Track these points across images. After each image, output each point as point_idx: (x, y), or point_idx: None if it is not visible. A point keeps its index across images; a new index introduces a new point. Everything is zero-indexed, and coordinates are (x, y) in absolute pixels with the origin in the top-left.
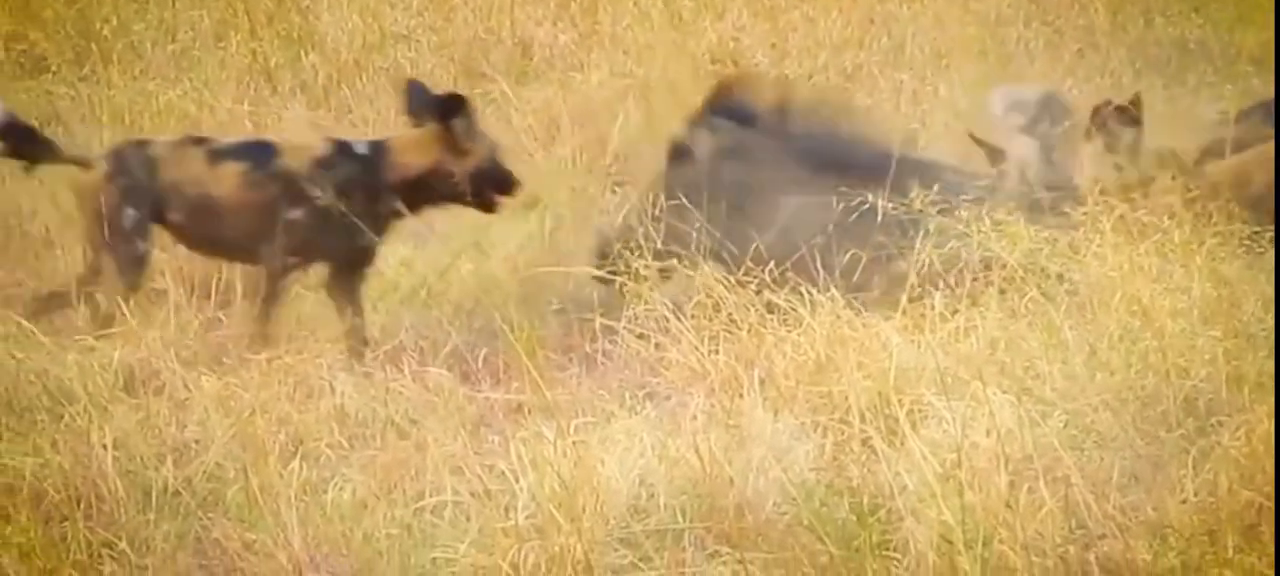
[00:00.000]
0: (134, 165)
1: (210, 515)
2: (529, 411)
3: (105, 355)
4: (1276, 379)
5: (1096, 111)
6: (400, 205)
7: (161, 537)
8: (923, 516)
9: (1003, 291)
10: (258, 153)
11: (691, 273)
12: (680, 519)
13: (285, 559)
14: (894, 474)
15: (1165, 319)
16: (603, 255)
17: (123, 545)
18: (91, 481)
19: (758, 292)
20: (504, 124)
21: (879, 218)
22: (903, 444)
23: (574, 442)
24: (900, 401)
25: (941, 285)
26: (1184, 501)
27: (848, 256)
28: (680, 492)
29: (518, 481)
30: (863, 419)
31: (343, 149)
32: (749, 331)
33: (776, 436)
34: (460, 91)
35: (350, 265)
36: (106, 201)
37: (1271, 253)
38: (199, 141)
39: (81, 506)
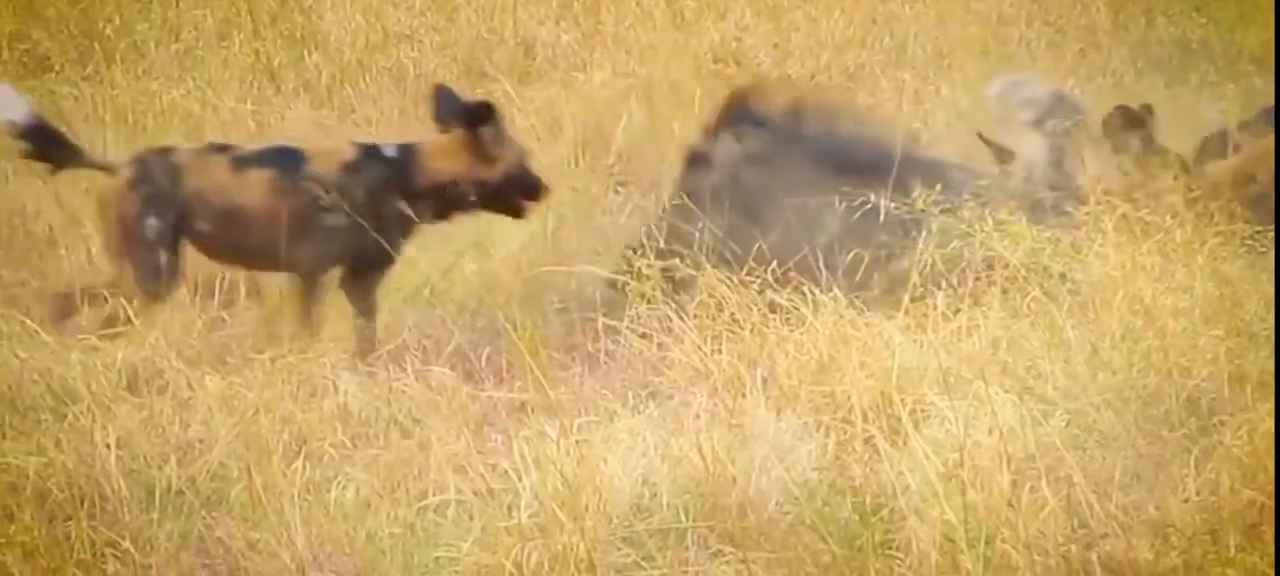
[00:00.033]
0: (157, 173)
1: (214, 514)
2: (532, 410)
3: (109, 354)
4: (1277, 378)
5: (1108, 119)
6: (430, 209)
7: (165, 537)
8: (925, 515)
9: (1005, 291)
10: (284, 160)
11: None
12: (683, 518)
13: (289, 558)
14: (897, 473)
15: (1167, 318)
16: (625, 264)
17: (126, 544)
18: (95, 480)
19: (760, 292)
20: (507, 124)
21: (881, 217)
22: (905, 443)
23: (577, 441)
24: (903, 401)
25: (944, 284)
26: (1186, 500)
27: (851, 255)
28: (683, 491)
29: (521, 480)
30: (865, 418)
31: (370, 153)
32: (752, 331)
33: (779, 435)
34: (488, 99)
35: (373, 267)
36: (129, 210)
37: (1274, 252)
38: (222, 149)
39: (85, 505)
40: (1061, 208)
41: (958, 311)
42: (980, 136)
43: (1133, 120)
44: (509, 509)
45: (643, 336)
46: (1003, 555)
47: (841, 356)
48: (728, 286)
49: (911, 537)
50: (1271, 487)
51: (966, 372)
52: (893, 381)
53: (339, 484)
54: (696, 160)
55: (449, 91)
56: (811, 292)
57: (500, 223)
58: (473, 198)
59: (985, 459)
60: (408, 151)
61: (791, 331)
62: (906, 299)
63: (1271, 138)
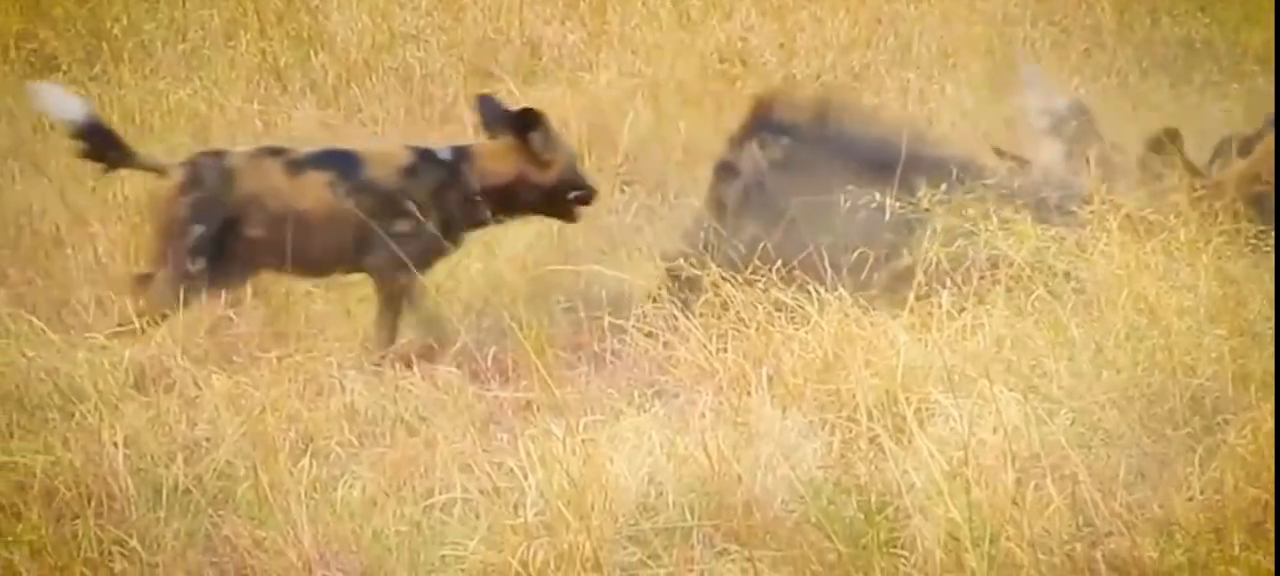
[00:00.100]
0: (210, 177)
1: (220, 512)
2: (538, 409)
3: (116, 353)
4: (1276, 378)
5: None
6: (488, 213)
7: (172, 535)
8: (930, 514)
9: (1010, 289)
10: (341, 163)
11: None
12: (688, 516)
13: (295, 556)
14: (901, 471)
15: (1172, 317)
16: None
17: (133, 542)
18: (102, 479)
19: (765, 291)
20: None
21: (886, 216)
22: (910, 441)
23: (583, 440)
24: (908, 399)
25: (949, 283)
26: (1190, 499)
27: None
28: (689, 490)
29: (527, 479)
30: (870, 416)
31: (426, 156)
32: (757, 329)
33: (784, 434)
34: (533, 106)
35: (425, 270)
36: (176, 213)
37: (1275, 252)
38: (276, 152)
39: (92, 504)
40: (1066, 207)
41: (962, 310)
42: (995, 150)
43: (1162, 149)
44: (515, 507)
45: (648, 335)
46: (1007, 553)
47: (846, 355)
48: (733, 285)
49: (916, 536)
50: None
51: (971, 371)
52: (898, 380)
53: (345, 482)
54: (725, 170)
55: (492, 99)
56: (817, 291)
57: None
58: (528, 201)
59: (990, 457)
60: (462, 155)
61: (797, 330)
62: (911, 297)
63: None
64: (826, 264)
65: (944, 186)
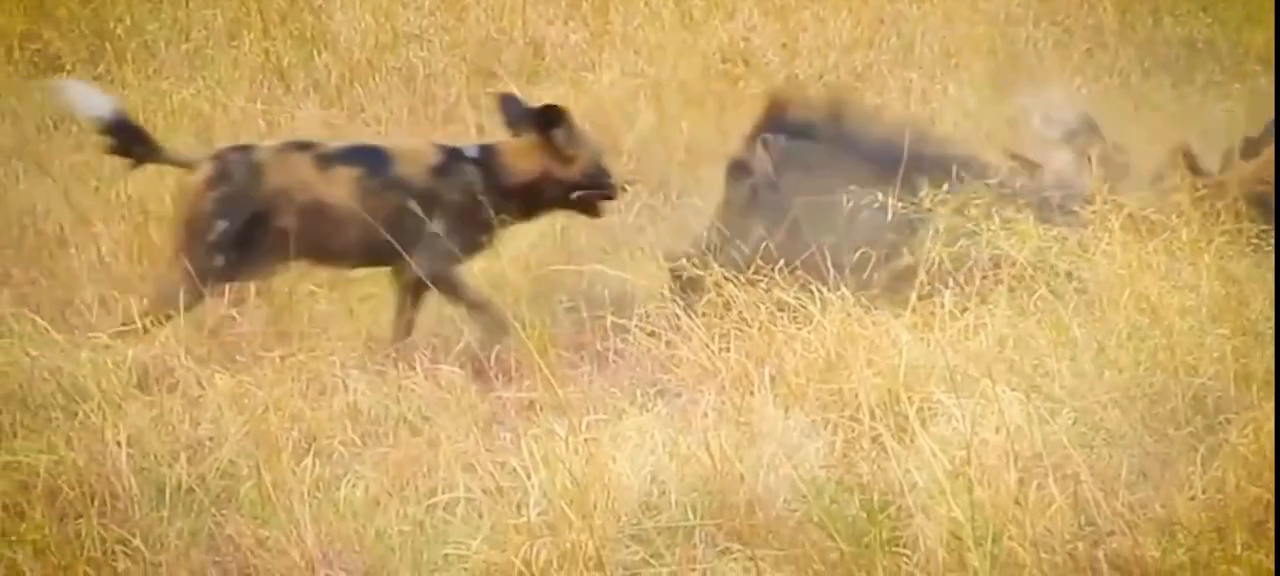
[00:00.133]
0: (237, 172)
1: (223, 512)
2: (541, 409)
3: (119, 352)
4: (1276, 377)
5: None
6: (515, 210)
7: (175, 534)
8: (932, 513)
9: (1012, 289)
10: (370, 158)
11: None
12: (691, 515)
13: (298, 555)
14: (904, 471)
15: (1173, 317)
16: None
17: (136, 542)
18: (105, 478)
19: (767, 290)
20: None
21: (888, 216)
22: (912, 441)
23: (585, 440)
24: (910, 399)
25: (951, 283)
26: (1192, 498)
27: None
28: (691, 489)
29: (530, 478)
30: (873, 416)
31: (454, 154)
32: (759, 329)
33: (787, 433)
34: (556, 103)
35: (454, 267)
36: (202, 208)
37: (1274, 252)
38: (304, 146)
39: (95, 503)
40: (1068, 206)
41: (965, 310)
42: (1009, 154)
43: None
44: (518, 506)
45: (651, 335)
46: (1009, 552)
47: (849, 354)
48: (735, 285)
49: (918, 535)
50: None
51: (973, 371)
52: (900, 379)
53: (348, 481)
54: (737, 170)
55: (514, 98)
56: (819, 291)
57: None
58: (553, 197)
59: (992, 456)
60: (489, 153)
61: (799, 330)
62: (913, 297)
63: None
64: (829, 263)
65: (945, 186)
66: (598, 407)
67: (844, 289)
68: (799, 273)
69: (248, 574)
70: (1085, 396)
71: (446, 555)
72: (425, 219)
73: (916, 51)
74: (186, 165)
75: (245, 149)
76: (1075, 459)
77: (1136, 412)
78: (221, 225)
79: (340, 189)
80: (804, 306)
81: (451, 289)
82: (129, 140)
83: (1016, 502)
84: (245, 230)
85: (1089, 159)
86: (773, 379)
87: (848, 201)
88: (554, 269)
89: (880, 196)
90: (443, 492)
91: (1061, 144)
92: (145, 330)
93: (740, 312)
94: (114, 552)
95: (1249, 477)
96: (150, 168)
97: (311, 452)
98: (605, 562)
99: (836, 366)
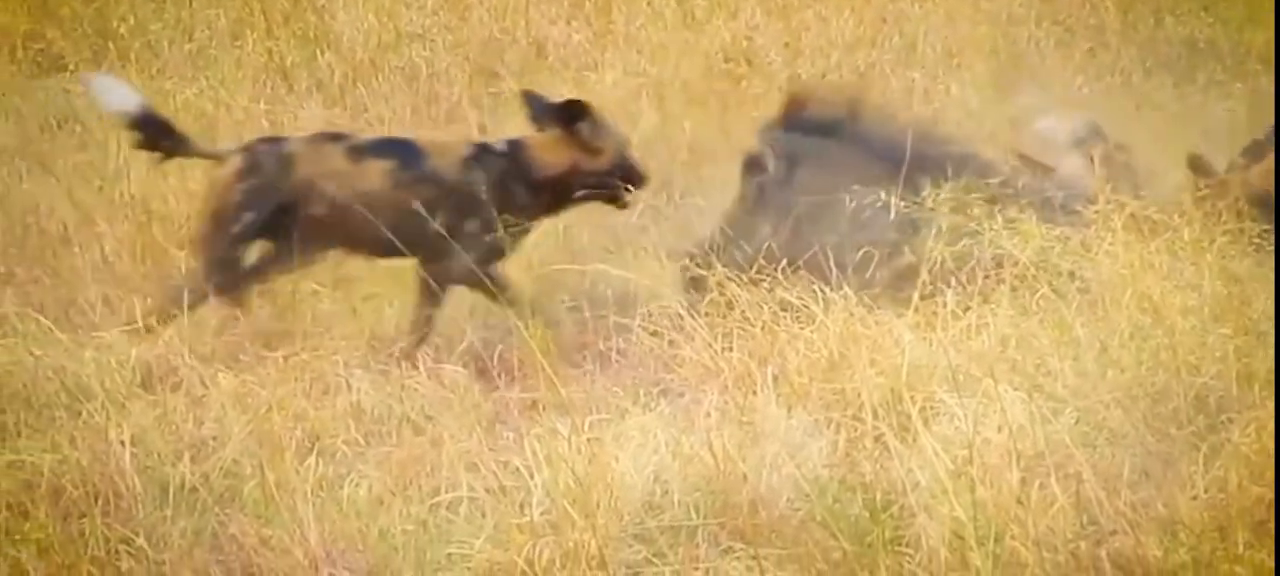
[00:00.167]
0: (268, 163)
1: (227, 511)
2: (544, 408)
3: (123, 352)
4: (1277, 376)
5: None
6: (545, 203)
7: (179, 534)
8: (935, 512)
9: (1014, 289)
10: (403, 151)
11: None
12: (694, 515)
13: (302, 554)
14: (906, 470)
15: (1176, 316)
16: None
17: (140, 541)
18: (109, 478)
19: (770, 290)
20: (520, 124)
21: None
22: (915, 440)
23: (588, 439)
24: (912, 398)
25: (954, 282)
26: (1194, 497)
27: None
28: (694, 489)
29: (532, 477)
30: (875, 415)
31: (485, 148)
32: (762, 328)
33: (790, 433)
34: (578, 97)
35: (481, 262)
36: (230, 199)
37: (1274, 251)
38: (336, 137)
39: (99, 502)
40: (1071, 206)
41: (967, 309)
42: (1021, 156)
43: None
44: (521, 506)
45: (654, 334)
46: (1012, 552)
47: (852, 354)
48: (738, 284)
49: (921, 534)
50: None
51: (976, 370)
52: (903, 379)
53: (352, 481)
54: (751, 166)
55: (537, 95)
56: (822, 290)
57: None
58: (582, 189)
59: (994, 456)
60: (517, 147)
61: (802, 329)
62: (916, 296)
63: None
64: (832, 262)
65: (954, 185)
66: (601, 407)
67: (846, 288)
68: (802, 272)
69: (251, 573)
70: (1088, 396)
71: (449, 554)
72: (459, 215)
73: (919, 51)
74: (215, 157)
75: (276, 140)
76: (1078, 458)
77: (1139, 412)
78: (248, 216)
79: (373, 180)
80: (806, 306)
81: (493, 285)
82: (156, 134)
83: (1019, 502)
84: (270, 221)
85: (1092, 158)
86: (775, 378)
87: (851, 201)
88: (557, 268)
89: (883, 195)
90: (446, 492)
91: (1072, 149)
92: (155, 326)
93: (743, 312)
94: (117, 552)
95: (1251, 477)
96: (153, 167)
97: (315, 452)
98: (608, 562)
99: (839, 366)
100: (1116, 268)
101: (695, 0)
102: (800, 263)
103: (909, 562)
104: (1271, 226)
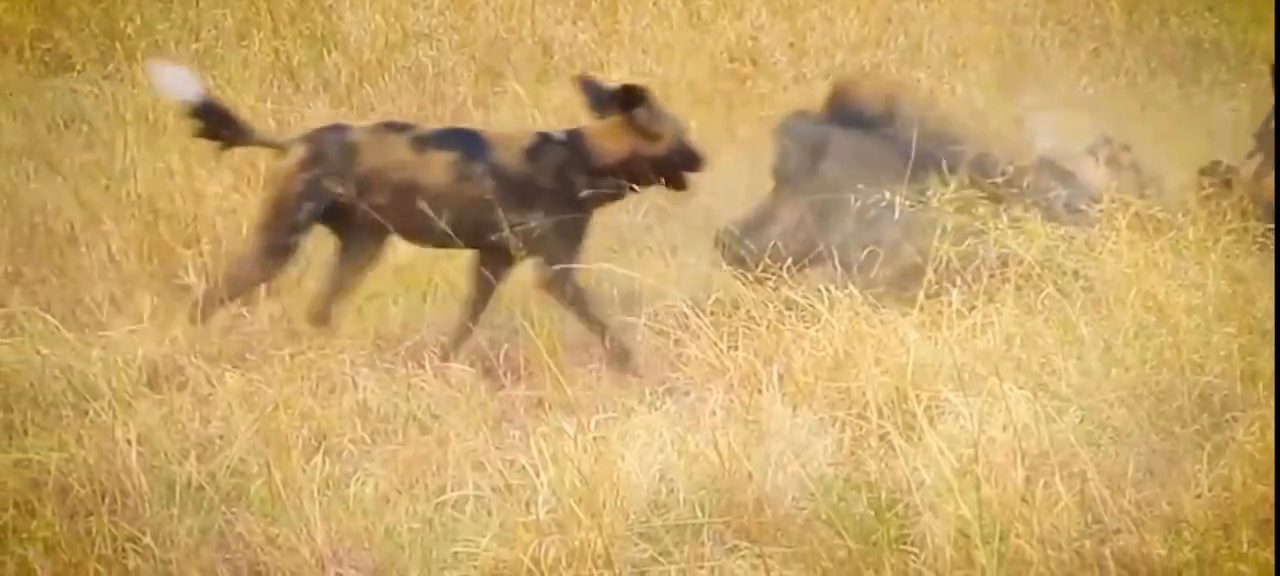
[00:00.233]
0: (331, 153)
1: (233, 509)
2: (549, 407)
3: (129, 350)
4: (1277, 375)
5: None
6: (608, 190)
7: (185, 532)
8: (940, 511)
9: (1019, 288)
10: (467, 142)
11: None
12: (699, 513)
13: (308, 553)
14: (911, 469)
15: (1180, 315)
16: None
17: (147, 539)
18: (116, 476)
19: (775, 289)
20: (525, 122)
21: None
22: (920, 439)
23: (594, 438)
24: (918, 397)
25: (959, 281)
26: (1198, 496)
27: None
28: (699, 487)
29: (538, 476)
30: (880, 414)
31: (545, 138)
32: (768, 327)
33: (795, 432)
34: (636, 83)
35: (540, 254)
36: (292, 189)
37: (1274, 251)
38: (400, 128)
39: (106, 501)
40: (1075, 205)
41: (972, 308)
42: (1042, 161)
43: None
44: (527, 504)
45: (659, 333)
46: (1017, 550)
47: (857, 353)
48: (743, 283)
49: (926, 532)
50: None
51: (981, 369)
52: (908, 378)
53: (358, 479)
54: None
55: (593, 81)
56: (827, 289)
57: None
58: (643, 174)
59: (999, 454)
60: (577, 136)
61: (807, 328)
62: (921, 295)
63: None
64: (836, 262)
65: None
66: (606, 406)
67: (851, 287)
68: (827, 266)
69: (258, 571)
70: (1092, 394)
71: (456, 552)
72: (523, 207)
73: (924, 51)
74: (278, 147)
75: (339, 129)
76: (1082, 457)
77: (1143, 411)
78: (309, 206)
79: (436, 172)
80: (812, 305)
81: (567, 285)
82: (216, 123)
83: (1023, 500)
84: (330, 212)
85: (1097, 158)
86: (781, 377)
87: (861, 197)
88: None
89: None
90: (452, 490)
91: (1090, 155)
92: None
93: (748, 311)
94: (124, 550)
95: (1255, 475)
96: (158, 167)
97: (321, 450)
98: (614, 560)
99: (844, 364)
100: (1121, 267)
101: (701, 0)
102: (828, 253)
103: (914, 561)
104: (1273, 225)
